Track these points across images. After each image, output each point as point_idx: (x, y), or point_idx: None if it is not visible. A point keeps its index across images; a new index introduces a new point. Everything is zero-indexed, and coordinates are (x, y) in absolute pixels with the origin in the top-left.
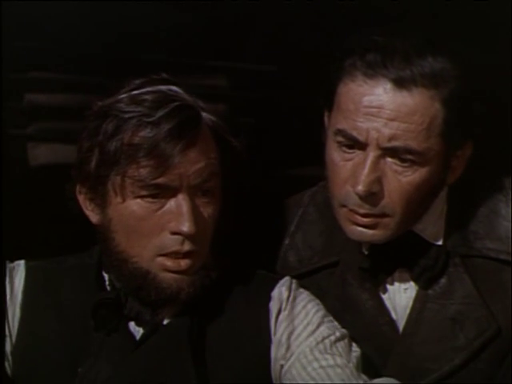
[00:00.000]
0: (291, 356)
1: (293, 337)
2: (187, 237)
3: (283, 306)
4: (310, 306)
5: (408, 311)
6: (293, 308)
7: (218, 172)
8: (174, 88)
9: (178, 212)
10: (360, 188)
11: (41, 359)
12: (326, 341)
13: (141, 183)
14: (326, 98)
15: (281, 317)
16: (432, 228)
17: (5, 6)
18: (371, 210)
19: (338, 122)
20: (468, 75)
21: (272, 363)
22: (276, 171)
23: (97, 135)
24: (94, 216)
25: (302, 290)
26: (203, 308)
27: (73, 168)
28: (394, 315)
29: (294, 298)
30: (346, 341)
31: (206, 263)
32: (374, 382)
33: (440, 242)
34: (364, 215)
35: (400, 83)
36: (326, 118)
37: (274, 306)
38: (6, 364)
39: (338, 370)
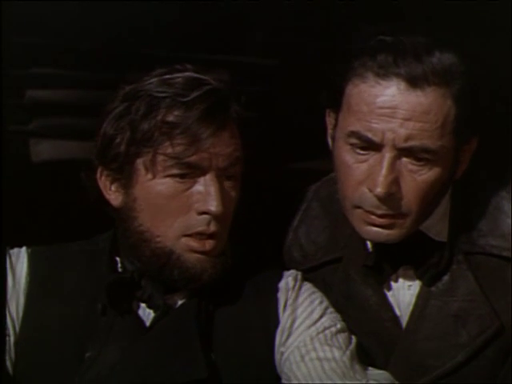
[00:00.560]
0: (291, 344)
1: (295, 325)
2: (214, 217)
3: (289, 294)
4: (313, 296)
5: (411, 308)
6: (297, 297)
7: (241, 158)
8: (201, 75)
9: (207, 192)
10: (379, 190)
11: (47, 346)
12: (327, 332)
13: (173, 160)
14: (332, 99)
15: (286, 305)
16: (436, 225)
17: (4, 2)
18: (388, 211)
19: (350, 123)
20: (474, 69)
21: (275, 351)
22: (278, 165)
23: (127, 115)
24: (116, 198)
25: (306, 282)
26: (213, 295)
27: (95, 153)
28: (397, 312)
29: (299, 288)
30: (347, 333)
31: (225, 249)
32: (368, 373)
33: (444, 240)
34: (381, 216)
35: (413, 82)
36: (329, 118)
37: (281, 296)
38: (8, 356)
39: (333, 364)
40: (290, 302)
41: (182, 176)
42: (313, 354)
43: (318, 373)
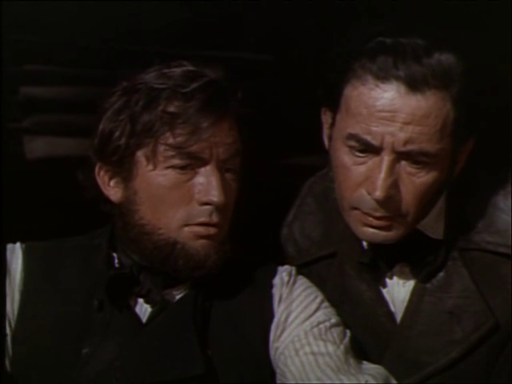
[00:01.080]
0: (286, 339)
1: (289, 319)
2: (216, 207)
3: (283, 289)
4: (308, 291)
5: (406, 304)
6: (292, 292)
7: (240, 151)
8: (198, 68)
9: (208, 182)
10: (378, 193)
11: (43, 343)
12: (322, 326)
13: (175, 150)
14: (329, 98)
15: (281, 300)
16: (432, 223)
17: None
18: (386, 213)
19: (349, 126)
20: (473, 70)
21: (270, 346)
22: (272, 161)
23: (127, 108)
24: (115, 193)
25: (301, 276)
26: (209, 290)
27: (92, 150)
28: (392, 307)
29: (294, 283)
30: (341, 327)
31: (225, 240)
32: (363, 367)
33: (440, 237)
34: (379, 218)
35: (414, 85)
36: (325, 116)
37: (276, 292)
38: (6, 354)
39: (327, 359)
40: (284, 296)
41: (182, 167)
42: (307, 349)
43: (312, 367)
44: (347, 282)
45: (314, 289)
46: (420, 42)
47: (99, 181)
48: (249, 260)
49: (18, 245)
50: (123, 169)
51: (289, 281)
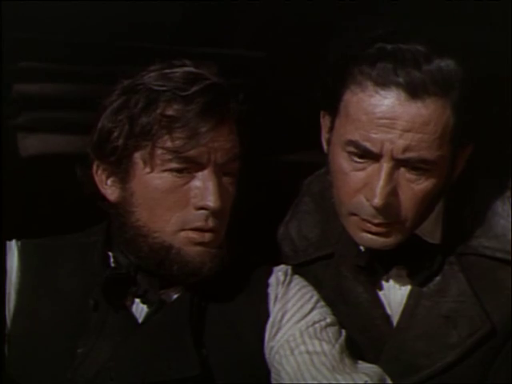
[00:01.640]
0: (281, 338)
1: (285, 319)
2: (212, 212)
3: (279, 289)
4: (304, 290)
5: (402, 307)
6: (287, 291)
7: (239, 155)
8: (199, 70)
9: (205, 187)
10: (377, 201)
11: (39, 342)
12: (317, 325)
13: (172, 154)
14: (328, 103)
15: (277, 300)
16: (430, 227)
17: None
18: (385, 220)
19: (348, 132)
20: (472, 76)
21: (265, 345)
22: (267, 157)
23: (126, 108)
24: (112, 192)
25: (297, 276)
26: (205, 290)
27: (90, 147)
28: (388, 310)
29: (289, 282)
30: (337, 327)
31: (221, 243)
32: (358, 366)
33: (437, 242)
34: (377, 224)
35: (413, 92)
36: (323, 120)
37: (271, 291)
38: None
39: (323, 358)
40: (280, 296)
41: (179, 171)
42: (302, 348)
43: (307, 366)
44: (344, 284)
45: (309, 288)
46: (420, 48)
47: (97, 179)
48: (245, 259)
49: (13, 242)
50: (120, 169)
51: (284, 280)
